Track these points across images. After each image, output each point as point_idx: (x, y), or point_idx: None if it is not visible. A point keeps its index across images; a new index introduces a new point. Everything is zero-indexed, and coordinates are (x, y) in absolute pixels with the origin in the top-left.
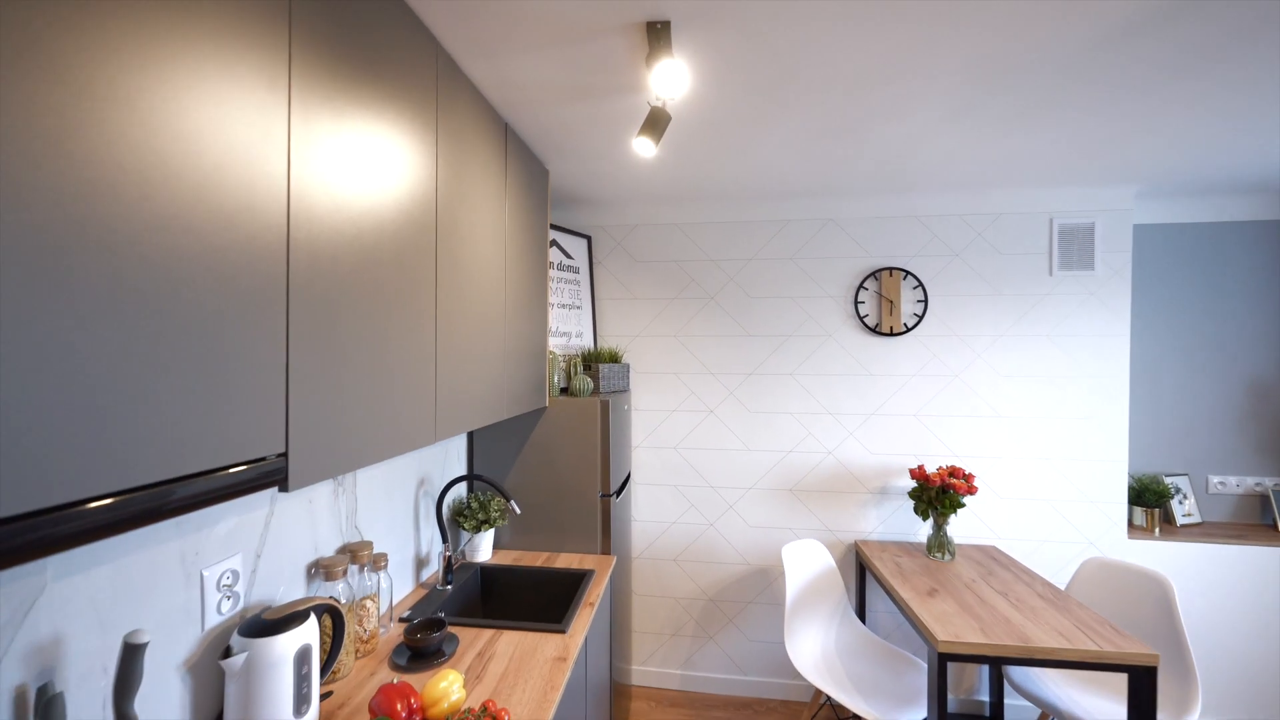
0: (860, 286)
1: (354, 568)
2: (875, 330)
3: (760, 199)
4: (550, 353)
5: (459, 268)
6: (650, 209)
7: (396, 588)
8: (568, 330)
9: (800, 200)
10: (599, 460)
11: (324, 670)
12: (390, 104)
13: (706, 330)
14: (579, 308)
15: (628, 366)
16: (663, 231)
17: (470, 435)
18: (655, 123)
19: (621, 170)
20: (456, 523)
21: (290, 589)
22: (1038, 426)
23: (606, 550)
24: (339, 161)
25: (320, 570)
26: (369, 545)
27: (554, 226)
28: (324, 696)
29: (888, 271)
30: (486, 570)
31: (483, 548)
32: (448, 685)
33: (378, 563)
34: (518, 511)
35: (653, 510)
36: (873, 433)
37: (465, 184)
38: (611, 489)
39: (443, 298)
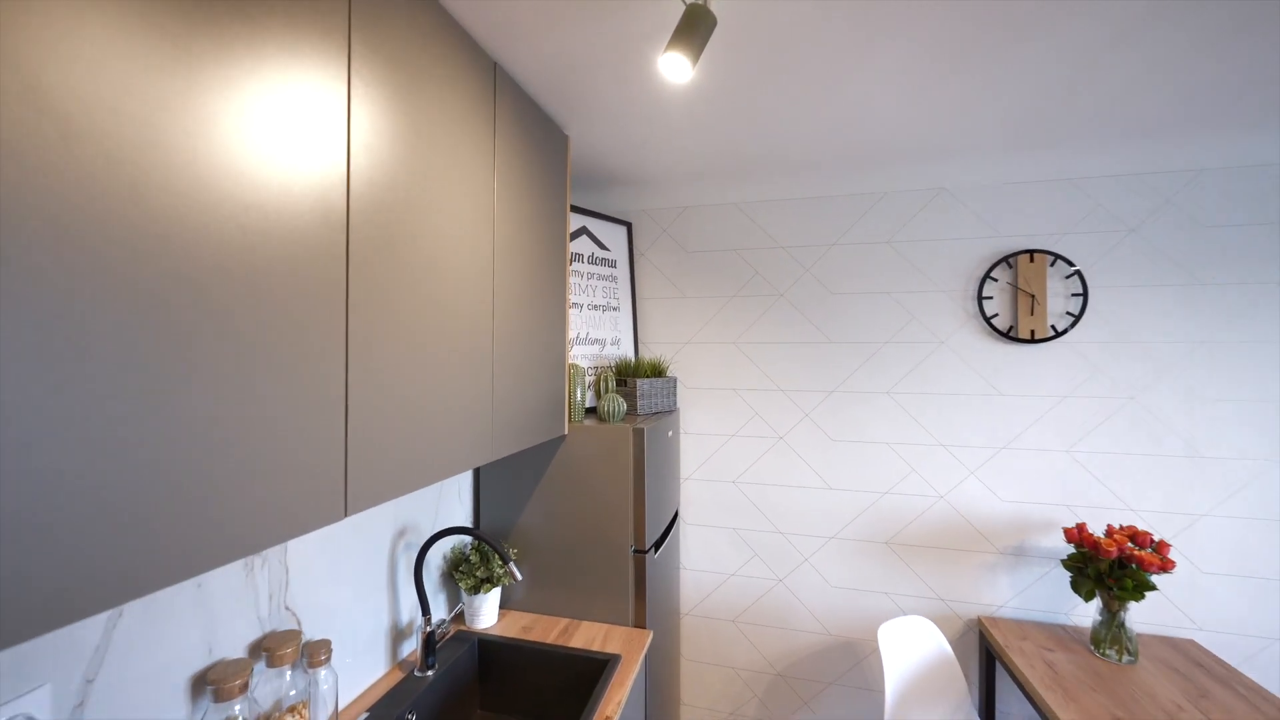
0: (986, 277)
1: (272, 671)
2: (1008, 335)
3: (847, 165)
4: (573, 365)
5: (400, 267)
6: (703, 186)
7: (365, 672)
8: (600, 337)
9: (902, 165)
10: (632, 506)
11: None
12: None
13: (774, 336)
14: (615, 309)
15: (674, 381)
16: (719, 214)
17: (477, 468)
18: (692, 28)
19: (663, 133)
20: (454, 579)
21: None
22: (1261, 473)
23: (641, 621)
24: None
25: (209, 687)
26: (296, 636)
27: (583, 210)
28: None
29: (1027, 256)
30: (486, 644)
31: (485, 611)
32: None
33: (316, 656)
34: (518, 577)
35: (706, 557)
36: (1003, 473)
37: (417, 147)
38: (648, 542)
39: (364, 315)
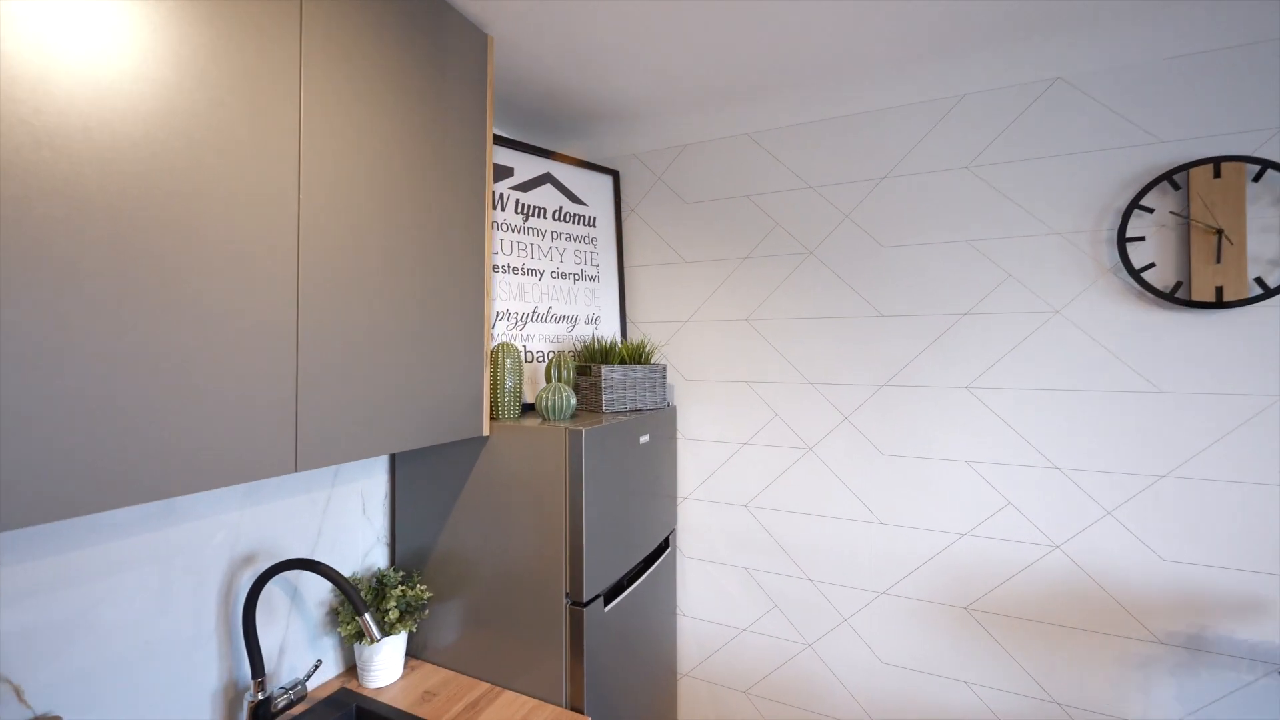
0: (1133, 207)
1: None
2: (1171, 297)
3: (905, 58)
4: (503, 345)
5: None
6: (705, 116)
7: None
8: (569, 313)
9: (992, 47)
10: (566, 537)
11: None
12: None
13: (801, 309)
14: (594, 279)
15: (661, 370)
16: (727, 150)
17: (394, 464)
18: None
19: (633, 28)
20: (335, 622)
21: None
22: None
23: (577, 700)
24: None
25: None
26: None
27: (544, 152)
28: None
29: (1208, 169)
30: (367, 714)
31: (379, 666)
32: None
33: None
34: (376, 636)
35: (711, 603)
36: (1164, 515)
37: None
38: (591, 591)
39: None
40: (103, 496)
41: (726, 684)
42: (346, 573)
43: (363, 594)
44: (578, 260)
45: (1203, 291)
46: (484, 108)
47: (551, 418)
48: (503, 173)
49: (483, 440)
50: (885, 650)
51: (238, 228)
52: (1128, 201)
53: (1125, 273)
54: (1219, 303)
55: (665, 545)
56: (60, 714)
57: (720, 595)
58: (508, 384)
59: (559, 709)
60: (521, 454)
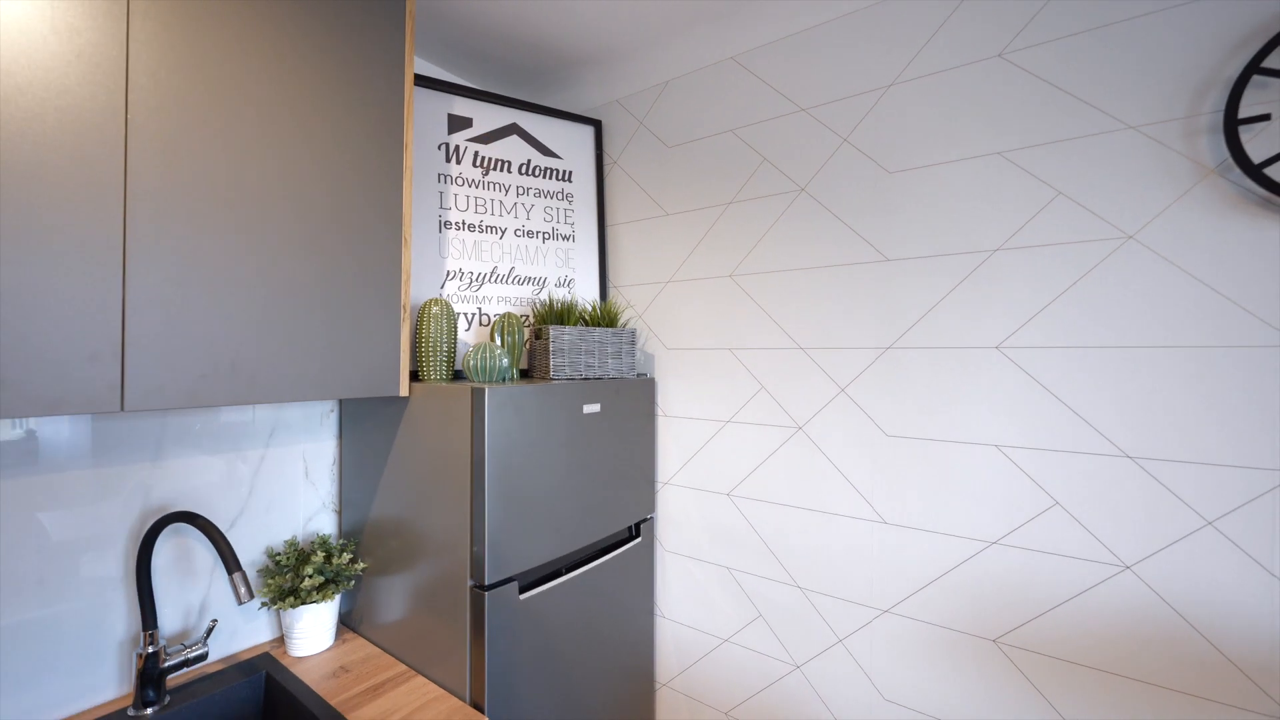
0: (1250, 72)
1: None
2: None
3: None
4: (437, 301)
5: None
6: (687, 44)
7: (71, 694)
8: (537, 274)
9: None
10: (470, 512)
11: None
12: None
13: (791, 259)
14: (568, 238)
15: (630, 334)
16: (710, 80)
17: (342, 428)
18: None
19: None
20: (267, 585)
21: None
22: None
23: (479, 699)
24: None
25: None
26: None
27: (511, 101)
28: None
29: None
30: (275, 685)
31: (302, 633)
32: None
33: None
34: (242, 598)
35: (691, 604)
36: None
37: None
38: (498, 574)
39: None
40: None
41: (707, 701)
42: (286, 536)
43: (291, 559)
44: (548, 218)
45: None
46: (402, 42)
47: (477, 379)
48: (459, 123)
49: (404, 402)
50: (887, 684)
51: (49, 135)
52: (1242, 66)
53: (1238, 170)
54: None
55: (633, 534)
56: None
57: (701, 597)
58: (435, 343)
59: (459, 703)
60: (438, 418)
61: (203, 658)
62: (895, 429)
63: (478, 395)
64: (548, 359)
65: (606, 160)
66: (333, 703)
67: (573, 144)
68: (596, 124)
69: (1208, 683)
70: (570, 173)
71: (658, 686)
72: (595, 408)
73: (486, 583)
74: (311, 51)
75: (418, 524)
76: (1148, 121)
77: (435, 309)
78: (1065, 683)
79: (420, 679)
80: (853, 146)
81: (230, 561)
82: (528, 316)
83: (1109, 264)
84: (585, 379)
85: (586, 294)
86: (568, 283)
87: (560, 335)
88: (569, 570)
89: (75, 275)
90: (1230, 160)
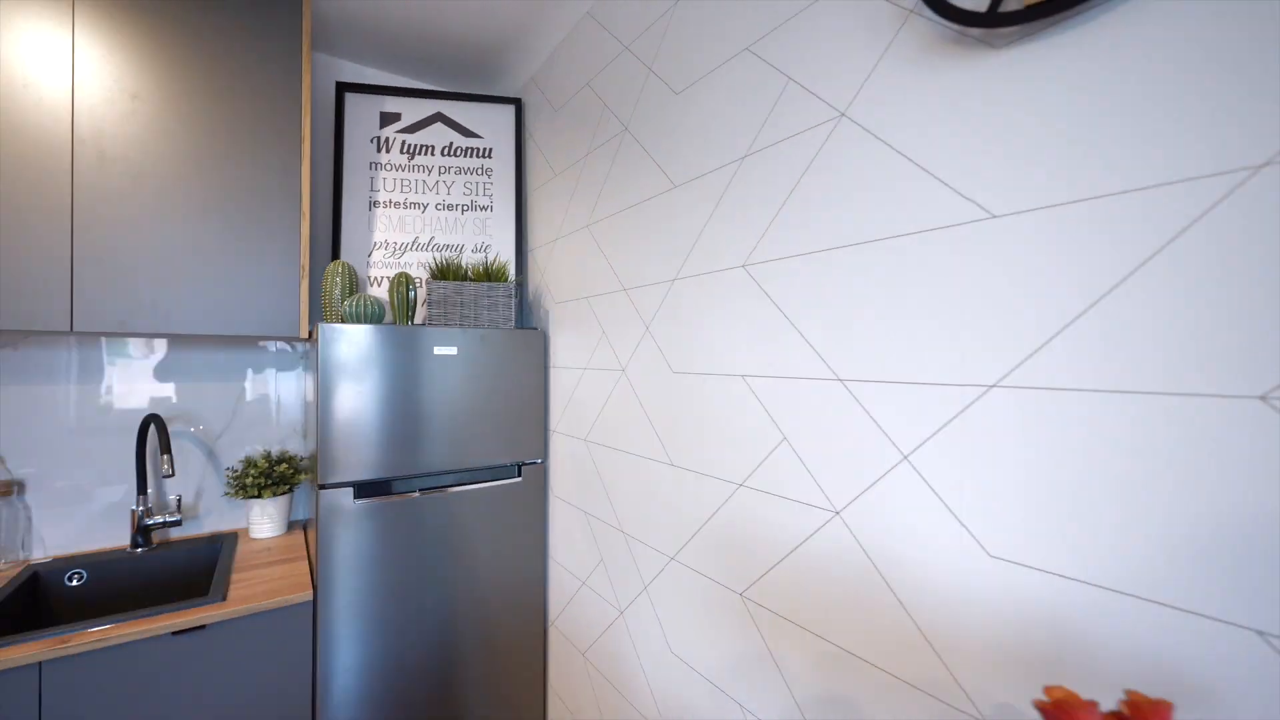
0: None
1: None
2: (992, 16)
3: None
4: (336, 264)
5: None
6: (560, 10)
7: (97, 534)
8: (455, 242)
9: None
10: (317, 419)
11: None
12: None
13: (619, 200)
14: (486, 208)
15: (510, 287)
16: (578, 41)
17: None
18: None
19: None
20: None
21: None
22: None
23: (315, 581)
24: None
25: None
26: None
27: (436, 94)
28: None
29: None
30: (223, 549)
31: (257, 521)
32: None
33: (7, 488)
34: (165, 471)
35: (567, 548)
36: (995, 462)
37: None
38: (325, 476)
39: None
40: None
41: (574, 640)
42: (259, 450)
43: (250, 466)
44: (467, 191)
45: None
46: (299, 55)
47: (349, 323)
48: (390, 119)
49: (300, 335)
50: (674, 635)
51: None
52: None
53: (928, 5)
54: (1046, 6)
55: (513, 473)
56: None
57: (571, 541)
58: (332, 296)
59: (305, 580)
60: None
61: (178, 523)
62: (679, 364)
63: (324, 331)
64: (417, 308)
65: (525, 135)
66: (235, 562)
67: (494, 124)
68: (517, 102)
69: (906, 658)
70: (490, 149)
71: (549, 625)
72: (451, 350)
73: (320, 483)
74: (218, 63)
75: (316, 444)
76: None
77: (337, 269)
78: (790, 645)
79: (302, 562)
80: (654, 75)
81: (165, 445)
82: (408, 274)
83: (825, 153)
84: (479, 328)
85: (504, 257)
86: (483, 248)
87: (436, 288)
88: (423, 491)
89: (40, 237)
90: None
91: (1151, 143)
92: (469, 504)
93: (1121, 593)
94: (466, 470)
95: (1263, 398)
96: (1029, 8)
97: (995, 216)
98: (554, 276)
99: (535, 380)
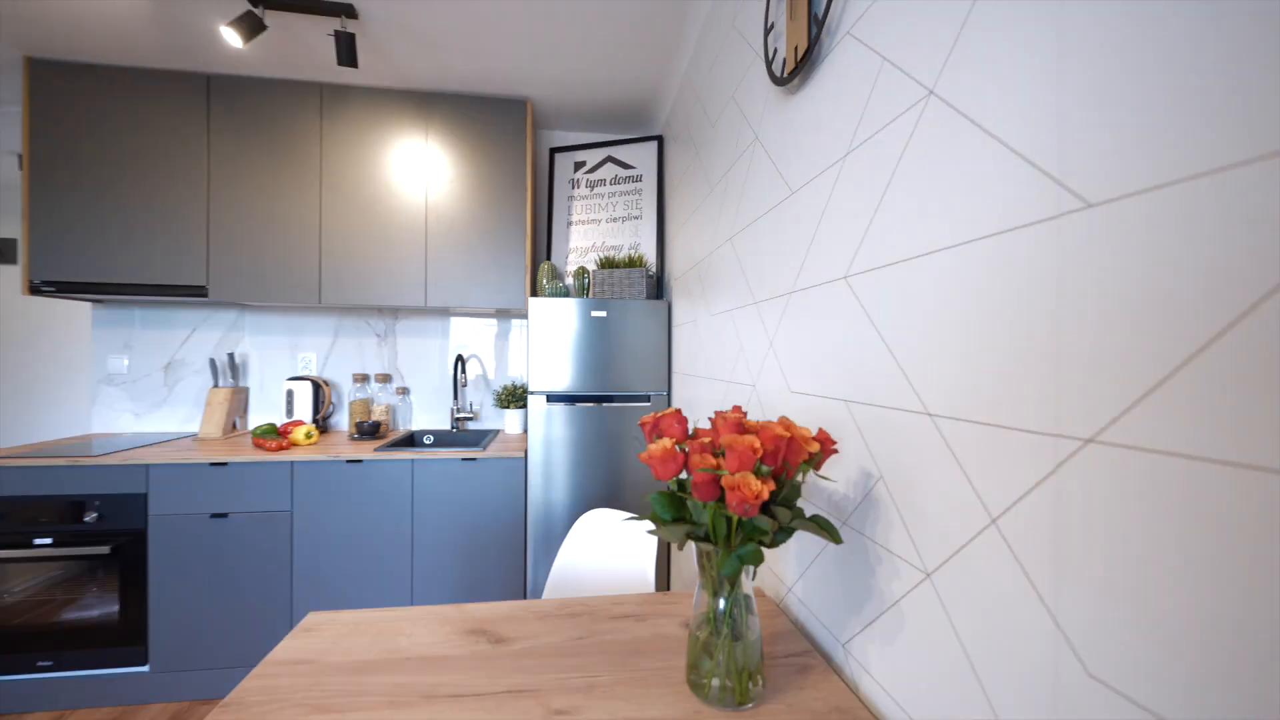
0: None
1: (381, 386)
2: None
3: None
4: (544, 265)
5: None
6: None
7: (438, 420)
8: (619, 243)
9: None
10: (527, 352)
11: (315, 411)
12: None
13: (749, 212)
14: (637, 217)
15: (642, 272)
16: (709, 56)
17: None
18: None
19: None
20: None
21: (346, 385)
22: None
23: (524, 456)
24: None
25: (357, 379)
26: (388, 376)
27: (605, 143)
28: (319, 423)
29: None
30: (485, 438)
31: (507, 425)
32: (305, 432)
33: (401, 392)
34: (463, 383)
35: None
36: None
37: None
38: (534, 388)
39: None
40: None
41: None
42: (509, 381)
43: (505, 391)
44: (626, 207)
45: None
46: (523, 152)
47: (549, 298)
48: (579, 165)
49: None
50: None
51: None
52: None
53: (768, 74)
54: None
55: (645, 400)
56: (407, 385)
57: None
58: (541, 284)
59: (520, 449)
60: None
61: (471, 418)
62: (797, 385)
63: (533, 305)
64: (591, 289)
65: (664, 160)
66: (493, 439)
67: (641, 156)
68: (659, 138)
69: None
70: (641, 175)
71: None
72: (603, 314)
73: (529, 391)
74: (484, 151)
75: (527, 369)
76: None
77: (545, 267)
78: None
79: (524, 442)
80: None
81: (463, 372)
82: (587, 267)
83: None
84: (605, 299)
85: (643, 251)
86: (635, 246)
87: (598, 274)
88: (583, 402)
89: (413, 257)
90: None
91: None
92: (612, 416)
93: None
94: (612, 393)
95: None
96: (789, 74)
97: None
98: (678, 264)
99: (660, 336)
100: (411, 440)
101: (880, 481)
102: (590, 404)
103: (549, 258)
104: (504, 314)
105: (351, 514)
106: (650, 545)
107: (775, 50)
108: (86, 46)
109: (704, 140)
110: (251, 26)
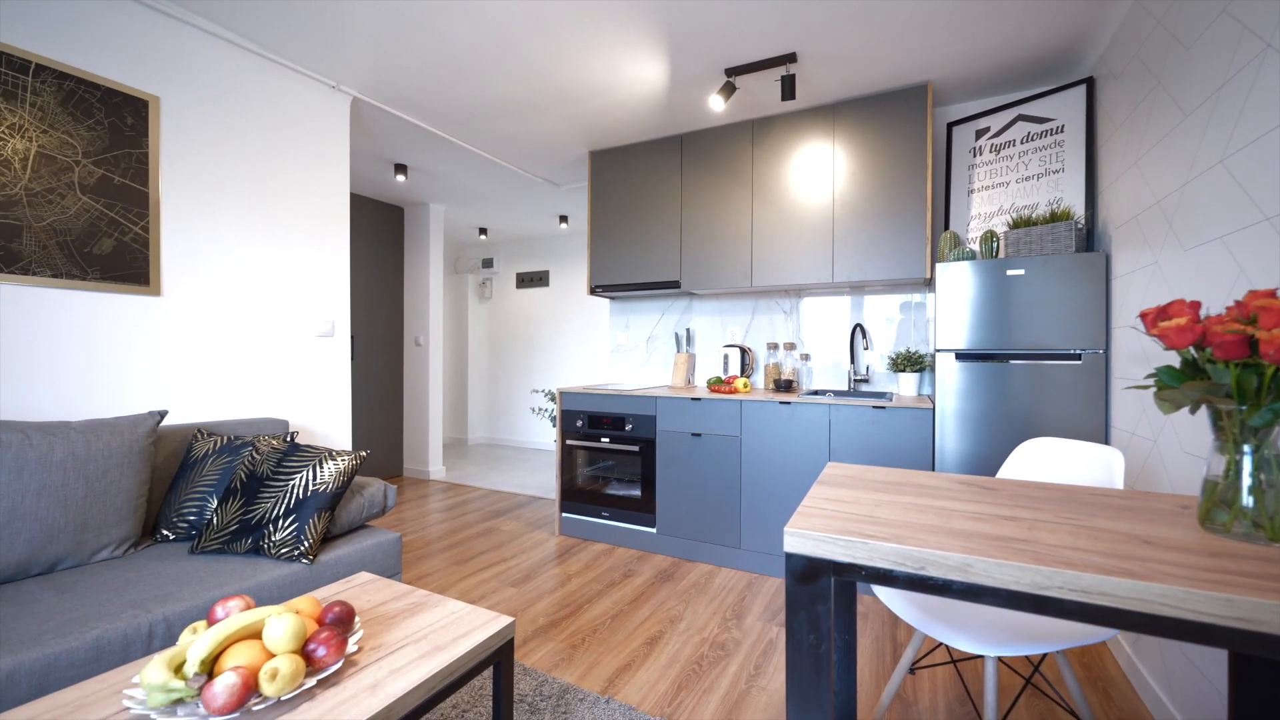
0: None
1: (788, 353)
2: None
3: None
4: (946, 234)
5: (797, 209)
6: None
7: (827, 379)
8: (1032, 203)
9: None
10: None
11: (741, 370)
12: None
13: (1256, 128)
14: (1059, 171)
15: (1067, 225)
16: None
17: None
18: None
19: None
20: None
21: (761, 351)
22: None
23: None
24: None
25: (770, 346)
26: (793, 344)
27: (1012, 104)
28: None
29: None
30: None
31: (904, 387)
32: (742, 382)
33: (804, 357)
34: (865, 346)
35: (1123, 415)
36: None
37: (861, 171)
38: (944, 345)
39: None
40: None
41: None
42: (905, 348)
43: (901, 356)
44: (1042, 162)
45: None
46: (923, 131)
47: (953, 262)
48: (981, 133)
49: (925, 277)
50: None
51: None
52: None
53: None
54: None
55: (1074, 357)
56: (808, 352)
57: (1127, 412)
58: (944, 251)
59: (927, 404)
60: (936, 284)
61: (865, 380)
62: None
63: (937, 270)
64: (1000, 250)
65: (1095, 102)
66: (896, 401)
67: (1062, 107)
68: (1088, 80)
69: None
70: (1062, 126)
71: None
72: (1020, 271)
73: (937, 349)
74: (882, 138)
75: (933, 330)
76: None
77: (946, 236)
78: None
79: (930, 399)
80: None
81: (861, 338)
82: (993, 230)
83: None
84: (1022, 257)
85: (1076, 206)
86: (1055, 203)
87: (1011, 235)
88: (993, 360)
89: (821, 246)
90: None
91: None
92: (1023, 373)
93: None
94: (1023, 350)
95: None
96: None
97: None
98: (1121, 211)
99: (1094, 290)
100: (819, 394)
101: None
102: (999, 362)
103: (947, 228)
104: (898, 285)
105: (781, 442)
106: (1108, 461)
107: None
108: (620, 136)
109: (1170, 66)
110: (728, 91)
